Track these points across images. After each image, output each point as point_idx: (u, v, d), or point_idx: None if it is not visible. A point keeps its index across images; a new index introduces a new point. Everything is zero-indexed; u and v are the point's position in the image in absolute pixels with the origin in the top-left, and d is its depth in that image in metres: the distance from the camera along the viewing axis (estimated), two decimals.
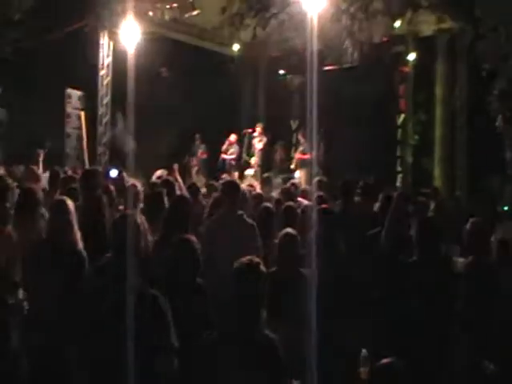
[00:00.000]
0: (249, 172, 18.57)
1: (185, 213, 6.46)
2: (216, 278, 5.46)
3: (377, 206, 8.39)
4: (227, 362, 4.04)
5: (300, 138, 19.01)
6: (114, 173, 16.82)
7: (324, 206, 6.73)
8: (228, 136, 19.17)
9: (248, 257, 4.31)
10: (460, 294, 5.56)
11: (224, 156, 18.98)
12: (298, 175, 18.26)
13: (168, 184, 8.72)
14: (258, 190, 12.96)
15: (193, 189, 9.39)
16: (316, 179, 11.71)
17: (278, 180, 17.88)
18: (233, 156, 18.99)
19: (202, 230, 6.98)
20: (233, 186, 7.26)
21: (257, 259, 4.31)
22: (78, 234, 5.80)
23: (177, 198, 7.06)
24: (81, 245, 5.75)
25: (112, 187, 8.30)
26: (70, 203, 5.95)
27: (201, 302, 5.19)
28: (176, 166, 15.80)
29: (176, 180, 11.95)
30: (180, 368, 4.49)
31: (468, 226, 6.27)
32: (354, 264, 6.12)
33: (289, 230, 6.17)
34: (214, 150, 19.11)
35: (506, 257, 6.11)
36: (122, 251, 4.40)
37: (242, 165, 19.06)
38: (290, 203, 8.09)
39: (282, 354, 4.13)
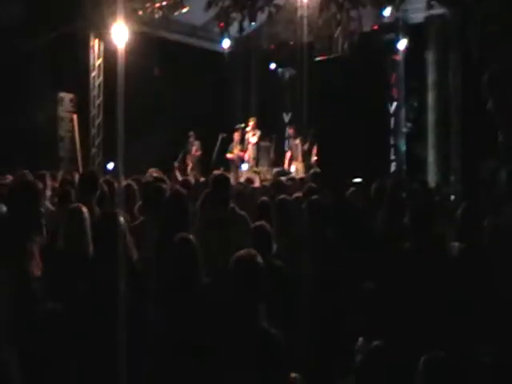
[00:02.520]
0: (244, 166, 18.58)
1: (183, 210, 6.44)
2: (211, 276, 5.44)
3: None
4: (226, 361, 4.03)
5: (290, 132, 19.02)
6: (110, 165, 16.93)
7: (314, 197, 6.75)
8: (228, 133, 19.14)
9: (245, 250, 4.29)
10: (454, 279, 5.57)
11: (229, 156, 18.92)
12: (294, 169, 18.28)
13: (164, 181, 8.69)
14: (257, 183, 13.00)
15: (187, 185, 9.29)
16: (311, 171, 11.74)
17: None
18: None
19: (195, 227, 6.94)
20: (222, 181, 7.22)
21: (254, 251, 4.28)
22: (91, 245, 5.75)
23: (173, 195, 6.98)
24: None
25: (105, 187, 8.28)
26: (85, 211, 5.91)
27: (207, 301, 5.17)
28: (176, 165, 15.89)
29: (176, 178, 11.96)
30: (180, 369, 4.46)
31: (460, 210, 6.27)
32: (347, 255, 6.15)
33: (261, 222, 6.17)
34: (207, 146, 19.05)
35: (498, 241, 6.07)
36: (104, 251, 4.37)
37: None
38: (284, 196, 8.07)
39: (282, 349, 4.10)
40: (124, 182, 8.72)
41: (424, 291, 5.51)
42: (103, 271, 4.32)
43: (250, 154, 18.73)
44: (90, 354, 4.22)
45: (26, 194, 5.78)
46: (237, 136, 18.91)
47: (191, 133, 18.89)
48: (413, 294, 5.55)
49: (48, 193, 8.64)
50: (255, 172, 17.80)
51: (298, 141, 18.44)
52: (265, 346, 4.04)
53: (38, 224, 5.79)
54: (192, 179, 15.36)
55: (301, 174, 16.59)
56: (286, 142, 20.08)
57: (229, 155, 18.74)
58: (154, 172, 11.74)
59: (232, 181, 8.73)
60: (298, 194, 8.33)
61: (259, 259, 4.19)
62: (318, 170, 11.94)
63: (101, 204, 7.72)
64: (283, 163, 18.76)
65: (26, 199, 5.61)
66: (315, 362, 4.24)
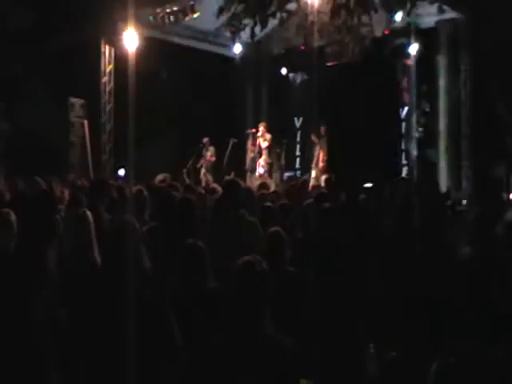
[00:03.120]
0: (260, 171, 18.59)
1: (192, 215, 6.44)
2: (220, 280, 5.43)
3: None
4: (231, 367, 4.01)
5: (314, 138, 18.93)
6: (121, 172, 16.94)
7: (326, 204, 6.76)
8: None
9: (248, 255, 4.26)
10: (464, 284, 5.54)
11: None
12: (314, 174, 18.25)
13: (175, 187, 8.69)
14: (272, 188, 12.94)
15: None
16: (324, 177, 11.72)
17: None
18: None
19: (205, 232, 6.93)
20: (233, 186, 7.21)
21: (258, 257, 4.25)
22: (97, 249, 5.74)
23: (182, 201, 6.98)
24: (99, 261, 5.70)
25: (115, 194, 8.29)
26: (90, 216, 5.90)
27: (215, 306, 5.14)
28: (185, 170, 15.89)
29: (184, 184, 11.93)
30: (186, 373, 4.45)
31: (472, 216, 6.25)
32: (359, 260, 6.13)
33: (275, 228, 6.15)
34: (218, 151, 19.05)
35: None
36: (118, 257, 4.34)
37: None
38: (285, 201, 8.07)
39: (289, 355, 4.07)
40: (135, 188, 8.71)
41: (434, 296, 5.48)
42: (112, 278, 4.30)
43: (264, 158, 18.73)
44: (98, 360, 4.20)
45: (43, 202, 5.82)
46: (249, 143, 18.97)
47: (206, 139, 18.84)
48: (422, 298, 5.53)
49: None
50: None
51: (318, 147, 18.44)
52: (270, 351, 4.01)
53: (54, 231, 5.81)
54: (203, 184, 15.41)
55: (318, 180, 16.56)
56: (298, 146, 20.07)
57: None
58: (162, 177, 11.73)
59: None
60: (310, 201, 8.30)
61: (263, 265, 4.16)
62: (331, 175, 11.92)
63: (111, 210, 7.74)
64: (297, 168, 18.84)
65: (44, 207, 5.63)
66: (325, 367, 4.20)
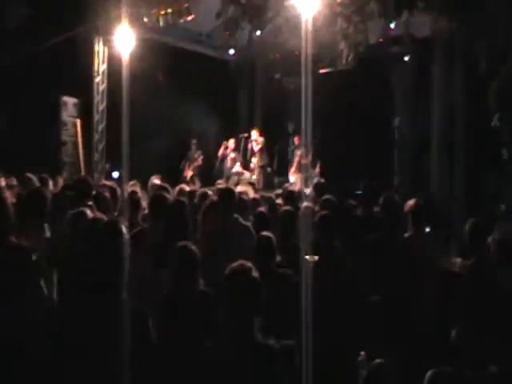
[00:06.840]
0: (246, 176, 18.49)
1: (184, 218, 6.44)
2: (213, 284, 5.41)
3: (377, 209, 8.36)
4: (222, 372, 3.98)
5: (296, 141, 18.97)
6: (115, 174, 16.91)
7: (324, 212, 6.79)
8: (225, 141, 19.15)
9: (239, 262, 4.23)
10: (460, 295, 5.52)
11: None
12: (293, 179, 18.23)
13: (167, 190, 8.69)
14: (251, 195, 12.84)
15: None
16: (314, 181, 11.67)
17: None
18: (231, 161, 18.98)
19: (198, 236, 6.92)
20: (228, 192, 7.31)
21: (248, 264, 4.22)
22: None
23: (175, 204, 7.00)
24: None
25: (107, 194, 8.23)
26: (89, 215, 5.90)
27: (205, 309, 5.10)
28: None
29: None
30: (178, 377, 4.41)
31: (467, 226, 6.24)
32: (353, 268, 6.13)
33: (265, 233, 6.14)
34: (211, 155, 19.06)
35: (506, 257, 6.01)
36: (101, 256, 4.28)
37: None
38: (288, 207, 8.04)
39: (280, 362, 4.04)
40: (129, 189, 8.68)
41: (428, 306, 5.47)
42: (93, 276, 4.25)
43: (256, 162, 18.69)
44: (88, 363, 4.14)
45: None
46: (226, 144, 18.93)
47: (194, 140, 18.88)
48: (416, 308, 5.53)
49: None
50: (250, 183, 17.71)
51: (299, 152, 18.37)
52: (260, 359, 3.99)
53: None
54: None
55: (298, 186, 16.47)
56: (290, 151, 20.08)
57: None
58: (156, 179, 11.70)
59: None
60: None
61: (254, 272, 4.13)
62: (321, 180, 11.88)
63: (104, 210, 7.68)
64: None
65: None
66: (316, 373, 4.18)
